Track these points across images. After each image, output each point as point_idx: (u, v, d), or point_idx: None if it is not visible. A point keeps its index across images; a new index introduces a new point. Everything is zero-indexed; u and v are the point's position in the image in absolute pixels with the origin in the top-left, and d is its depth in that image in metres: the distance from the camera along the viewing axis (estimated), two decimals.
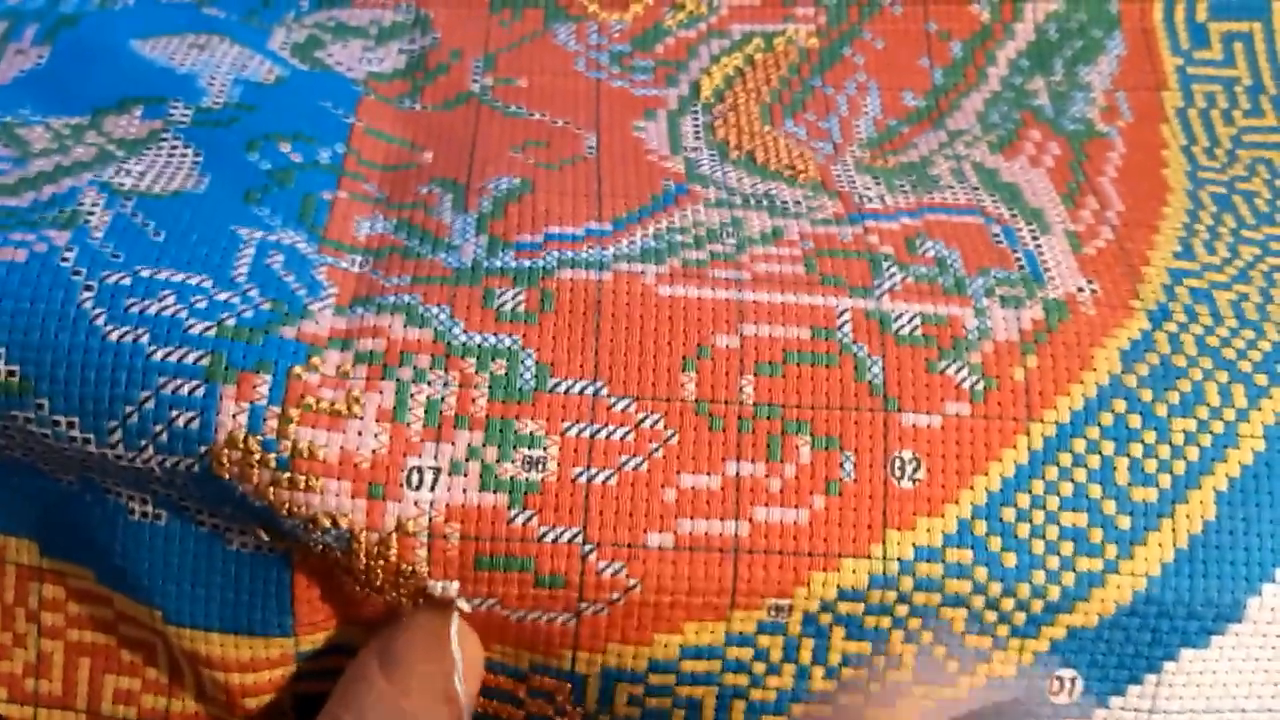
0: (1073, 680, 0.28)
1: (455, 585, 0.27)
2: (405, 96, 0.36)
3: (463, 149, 0.33)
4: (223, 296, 0.28)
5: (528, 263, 0.30)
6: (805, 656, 0.28)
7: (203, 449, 0.27)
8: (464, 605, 0.27)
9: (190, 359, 0.27)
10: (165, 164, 0.31)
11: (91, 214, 0.29)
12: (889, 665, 0.28)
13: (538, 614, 0.28)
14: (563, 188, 0.32)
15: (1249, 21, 0.38)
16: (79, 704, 0.31)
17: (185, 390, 0.26)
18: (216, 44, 0.35)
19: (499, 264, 0.29)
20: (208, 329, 0.27)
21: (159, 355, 0.27)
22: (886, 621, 0.28)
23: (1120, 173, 0.34)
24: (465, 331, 0.28)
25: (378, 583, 0.27)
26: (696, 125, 0.35)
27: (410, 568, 0.27)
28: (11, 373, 0.27)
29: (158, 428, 0.27)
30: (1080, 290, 0.30)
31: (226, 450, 0.26)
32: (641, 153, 0.34)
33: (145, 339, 0.27)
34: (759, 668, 0.28)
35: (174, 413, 0.27)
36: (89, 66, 0.33)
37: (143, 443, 0.27)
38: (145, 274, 0.28)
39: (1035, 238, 0.32)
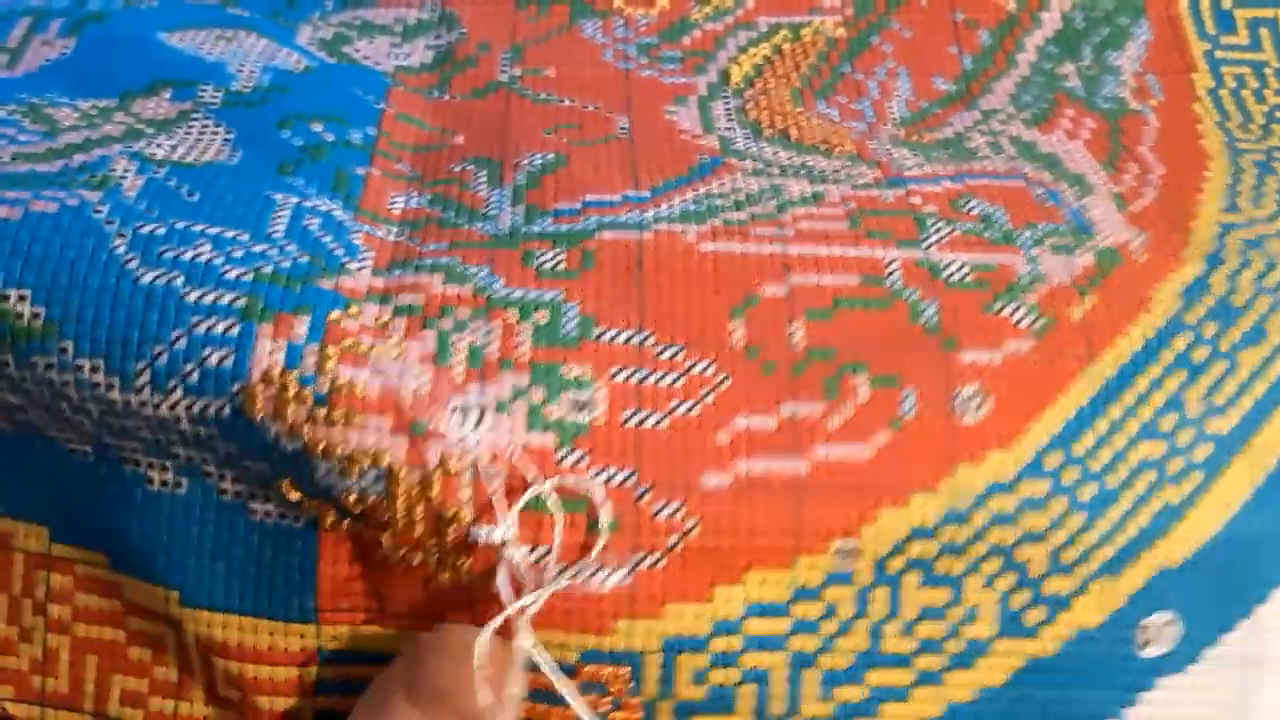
0: (1162, 628, 0.27)
1: (500, 532, 0.25)
2: (434, 88, 0.35)
3: (495, 131, 0.33)
4: (260, 249, 0.27)
5: (566, 227, 0.29)
6: (878, 611, 0.26)
7: (236, 387, 0.25)
8: (516, 554, 0.25)
9: (226, 299, 0.26)
10: (196, 140, 0.30)
11: (124, 178, 0.28)
12: (966, 619, 0.27)
13: (591, 570, 0.26)
14: (598, 161, 0.32)
15: (1274, 9, 0.38)
16: (86, 705, 0.29)
17: (220, 329, 0.25)
18: (244, 37, 0.35)
19: (537, 229, 0.29)
20: (244, 274, 0.26)
21: (193, 297, 0.26)
22: (961, 565, 0.26)
23: (1158, 143, 0.34)
24: (506, 286, 0.27)
25: (416, 533, 0.26)
26: (728, 109, 0.35)
27: (453, 510, 0.25)
28: (36, 315, 0.26)
29: (188, 367, 0.25)
30: (1130, 241, 0.29)
31: (261, 386, 0.25)
32: (675, 132, 0.34)
33: (180, 281, 0.26)
34: (829, 627, 0.26)
35: (206, 351, 0.25)
36: (115, 54, 0.33)
37: (171, 384, 0.26)
38: (180, 226, 0.27)
39: (1080, 198, 0.31)
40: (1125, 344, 0.27)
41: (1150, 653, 0.27)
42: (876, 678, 0.27)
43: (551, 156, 0.31)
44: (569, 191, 0.30)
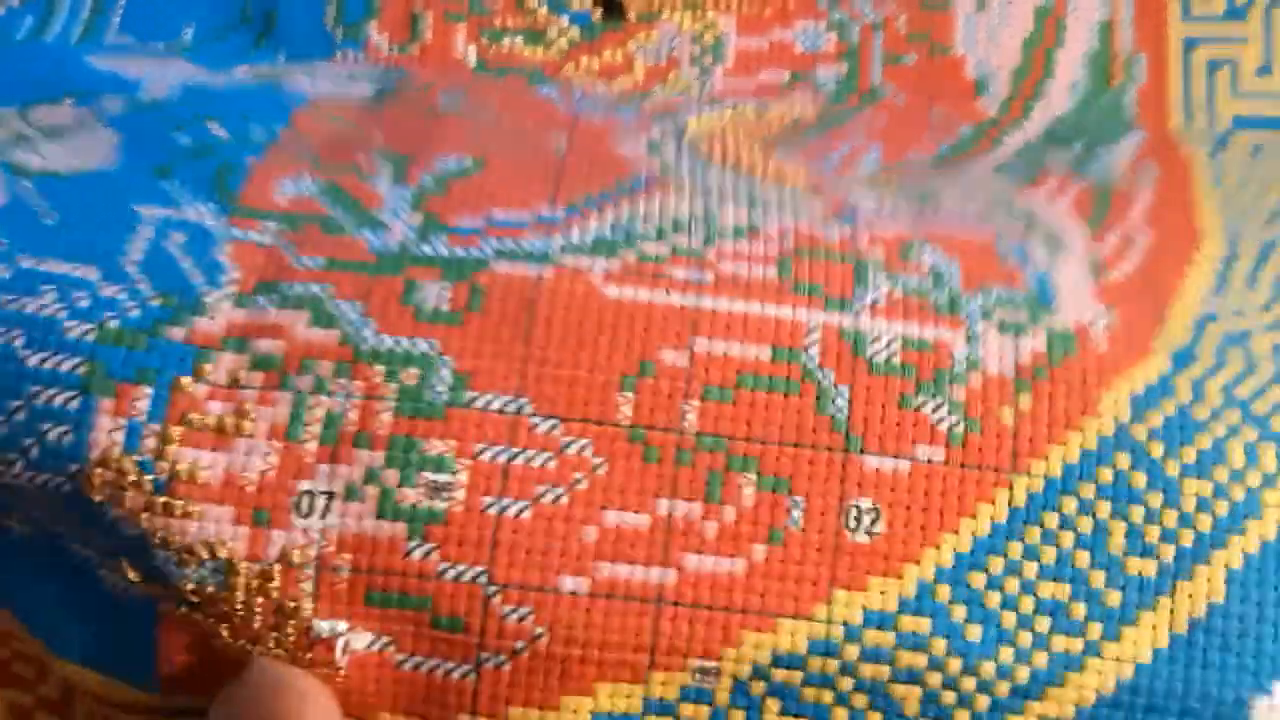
0: None
1: (344, 624, 0.24)
2: (367, 103, 0.34)
3: (416, 130, 0.31)
4: (109, 292, 0.25)
5: (461, 251, 0.27)
6: None
7: (74, 467, 0.24)
8: (358, 642, 0.24)
9: (66, 366, 0.24)
10: (82, 145, 0.29)
11: None
12: None
13: (434, 663, 0.24)
14: (519, 169, 0.29)
15: (1275, 132, 0.35)
16: None
17: (59, 402, 0.24)
18: (174, 63, 0.34)
19: (428, 251, 0.27)
20: (87, 332, 0.25)
21: (34, 361, 0.25)
22: (828, 696, 0.24)
23: (1151, 209, 0.31)
24: (377, 333, 0.25)
25: (255, 625, 0.24)
26: (679, 144, 0.33)
27: (294, 603, 0.24)
28: None
29: (29, 442, 0.24)
30: (1093, 321, 0.26)
31: (99, 470, 0.24)
32: (614, 147, 0.31)
33: (20, 341, 0.25)
34: None
35: (45, 426, 0.24)
36: (33, 68, 0.33)
37: (12, 456, 0.25)
38: (27, 264, 0.26)
39: (1050, 256, 0.28)
40: (1058, 454, 0.25)
41: None
42: None
43: (469, 161, 0.29)
44: (475, 204, 0.28)
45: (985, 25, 0.36)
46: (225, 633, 0.25)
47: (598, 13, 0.37)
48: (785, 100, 0.36)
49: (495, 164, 0.29)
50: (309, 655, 0.24)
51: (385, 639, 0.24)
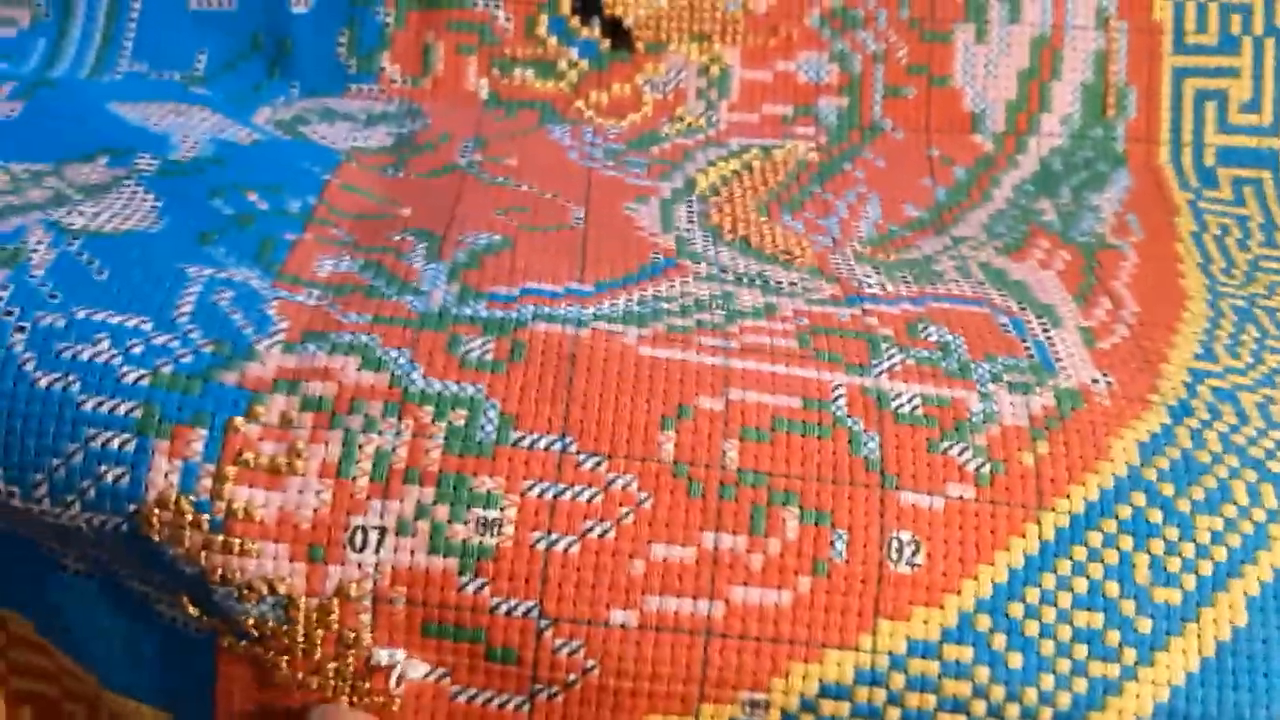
0: None
1: (402, 654, 0.24)
2: (389, 166, 0.34)
3: (444, 206, 0.32)
4: (161, 340, 0.26)
5: (500, 313, 0.27)
6: None
7: (132, 508, 0.24)
8: (414, 672, 0.25)
9: (122, 410, 0.25)
10: (123, 207, 0.29)
11: (35, 251, 0.27)
12: None
13: (489, 694, 0.25)
14: (545, 248, 0.30)
15: (1258, 169, 0.37)
16: None
17: (115, 444, 0.25)
18: (196, 113, 0.34)
19: (469, 312, 0.27)
20: (141, 377, 0.25)
21: (89, 405, 0.25)
22: None
23: (1135, 279, 0.33)
24: (425, 377, 0.26)
25: (316, 656, 0.25)
26: (690, 211, 0.34)
27: (354, 634, 0.24)
28: None
29: (85, 483, 0.25)
30: (1095, 381, 0.28)
31: (157, 510, 0.24)
32: (632, 227, 0.32)
33: (76, 387, 0.25)
34: None
35: (102, 468, 0.24)
36: (61, 122, 0.33)
37: (69, 498, 0.25)
38: (81, 315, 0.26)
39: (1046, 330, 0.30)
40: (1079, 493, 0.26)
41: None
42: None
43: (498, 238, 0.30)
44: (509, 275, 0.29)
45: (984, 57, 0.37)
46: (285, 665, 0.25)
47: (606, 42, 0.37)
48: (789, 141, 0.37)
49: (523, 240, 0.30)
50: (367, 685, 0.25)
51: (441, 670, 0.25)
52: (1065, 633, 0.25)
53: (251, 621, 0.25)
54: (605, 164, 0.35)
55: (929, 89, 0.37)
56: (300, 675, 0.25)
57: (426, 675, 0.25)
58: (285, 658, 0.25)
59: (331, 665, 0.25)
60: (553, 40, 0.37)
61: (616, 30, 0.37)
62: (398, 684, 0.25)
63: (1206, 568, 0.25)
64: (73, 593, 0.26)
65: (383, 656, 0.24)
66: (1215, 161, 0.37)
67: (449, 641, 0.24)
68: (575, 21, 0.37)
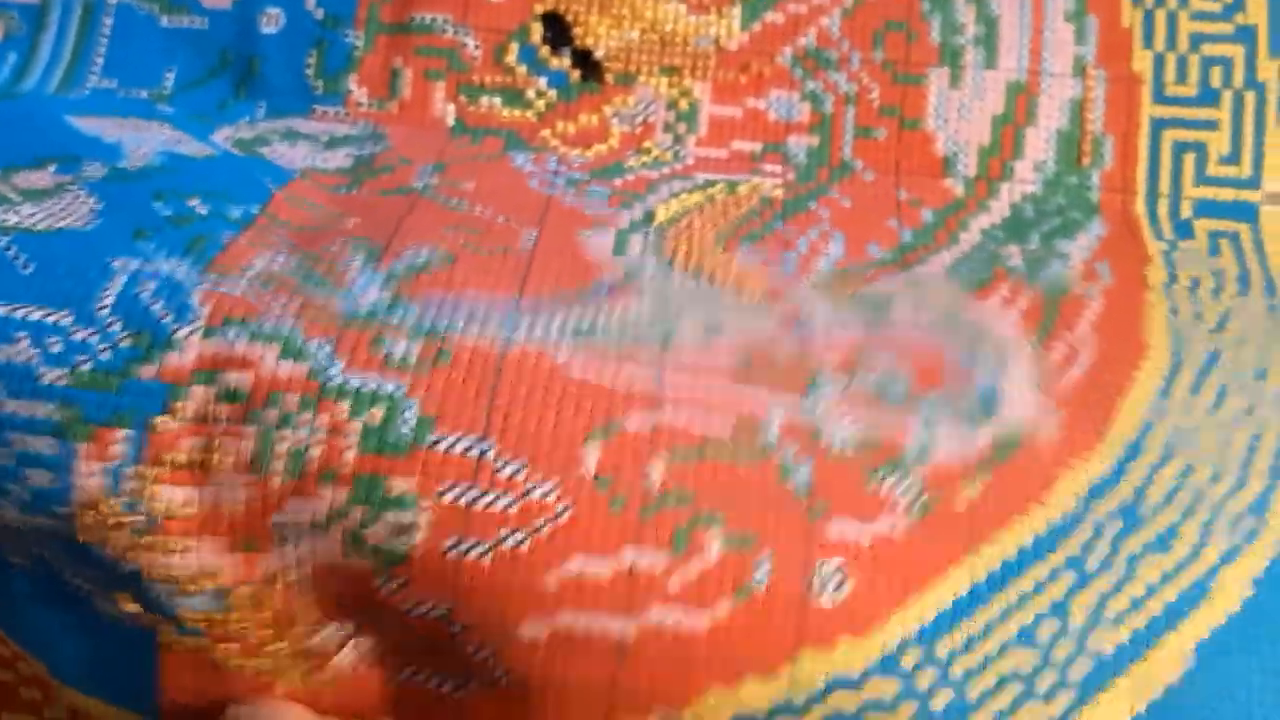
0: None
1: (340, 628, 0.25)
2: (342, 186, 0.34)
3: (390, 220, 0.31)
4: (81, 335, 0.25)
5: (428, 322, 0.27)
6: None
7: (62, 511, 0.24)
8: (360, 645, 0.25)
9: (43, 413, 0.24)
10: (62, 209, 0.29)
11: None
12: None
13: (430, 675, 0.25)
14: (487, 268, 0.29)
15: (1236, 222, 0.36)
16: None
17: (40, 448, 0.24)
18: (155, 127, 0.34)
19: (395, 320, 0.27)
20: (59, 378, 0.25)
21: (11, 408, 0.24)
22: None
23: (1097, 324, 0.31)
24: (343, 372, 0.25)
25: (254, 640, 0.25)
26: (645, 241, 0.33)
27: (292, 613, 0.25)
28: None
29: (15, 487, 0.24)
30: (1041, 420, 0.27)
31: (85, 512, 0.24)
32: (581, 251, 0.32)
33: None
34: None
35: (30, 472, 0.24)
36: (16, 132, 0.32)
37: (2, 501, 0.24)
38: (1, 312, 0.25)
39: (997, 368, 0.29)
40: (1011, 538, 0.25)
41: None
42: None
43: (440, 252, 0.29)
44: (444, 288, 0.28)
45: (957, 101, 0.37)
46: (228, 651, 0.25)
47: (576, 74, 0.37)
48: (755, 176, 0.37)
49: (463, 260, 0.30)
50: (309, 665, 0.25)
51: (385, 645, 0.25)
52: (995, 673, 0.24)
53: (189, 614, 0.24)
54: (566, 192, 0.35)
55: (900, 131, 0.37)
56: (242, 661, 0.25)
57: (373, 648, 0.25)
58: (224, 644, 0.25)
59: (271, 647, 0.25)
60: (522, 69, 0.37)
61: (586, 62, 0.37)
62: (348, 654, 0.25)
63: (1155, 608, 0.24)
64: (19, 588, 0.26)
65: (330, 629, 0.25)
66: (1192, 213, 0.36)
67: (379, 630, 0.24)
68: (545, 51, 0.37)
